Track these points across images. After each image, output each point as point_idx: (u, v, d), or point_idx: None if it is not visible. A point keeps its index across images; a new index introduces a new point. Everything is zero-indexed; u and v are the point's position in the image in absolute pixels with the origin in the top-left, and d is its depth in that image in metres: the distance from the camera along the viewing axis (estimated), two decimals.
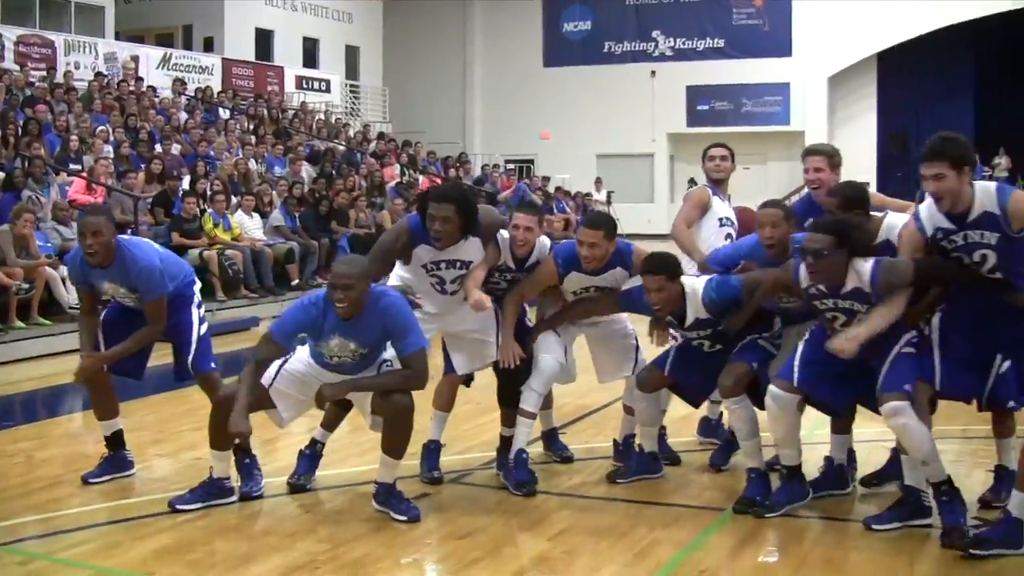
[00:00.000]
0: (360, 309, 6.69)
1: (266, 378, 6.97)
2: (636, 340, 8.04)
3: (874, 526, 6.57)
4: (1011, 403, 6.49)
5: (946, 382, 6.47)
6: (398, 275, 7.58)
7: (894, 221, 6.81)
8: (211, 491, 7.15)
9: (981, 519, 6.49)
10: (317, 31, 38.30)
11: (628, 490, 7.57)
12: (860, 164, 37.53)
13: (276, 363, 7.02)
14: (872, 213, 6.89)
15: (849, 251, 6.44)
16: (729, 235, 8.46)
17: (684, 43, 40.57)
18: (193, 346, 7.70)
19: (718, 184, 8.63)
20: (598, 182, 36.27)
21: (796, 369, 6.73)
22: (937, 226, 6.30)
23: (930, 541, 6.35)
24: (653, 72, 40.50)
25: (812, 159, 7.71)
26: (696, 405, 8.03)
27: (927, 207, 6.36)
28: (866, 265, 6.43)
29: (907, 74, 38.28)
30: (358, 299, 6.65)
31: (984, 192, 6.17)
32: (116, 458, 7.94)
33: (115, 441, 7.97)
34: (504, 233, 7.53)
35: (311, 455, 7.66)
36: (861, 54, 38.14)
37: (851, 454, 7.51)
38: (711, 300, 7.15)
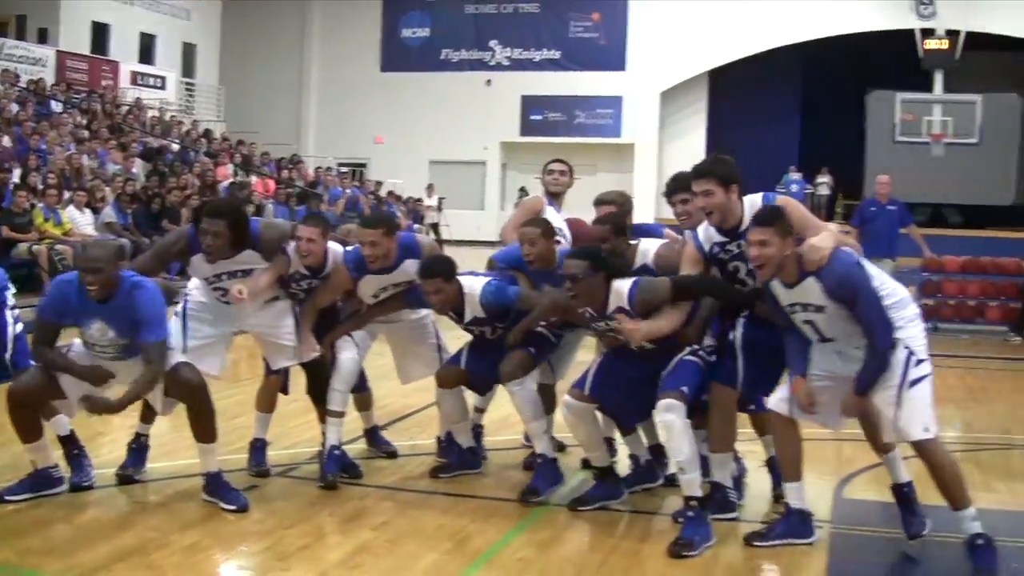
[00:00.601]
0: (111, 291, 6.87)
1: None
2: (438, 339, 8.47)
3: (680, 520, 6.95)
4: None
5: (748, 385, 6.99)
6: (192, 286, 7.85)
7: (647, 247, 7.38)
8: (38, 482, 7.25)
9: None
10: (154, 27, 37.98)
11: (449, 485, 7.94)
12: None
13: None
14: (631, 241, 7.44)
15: (606, 274, 6.91)
16: (560, 245, 8.70)
17: (521, 53, 41.03)
18: (10, 345, 7.71)
19: (555, 197, 8.93)
20: (429, 188, 36.58)
21: (590, 380, 7.20)
22: (713, 241, 6.83)
23: (734, 534, 6.84)
24: (489, 81, 40.89)
25: (603, 208, 8.10)
26: (482, 393, 8.45)
27: (704, 225, 6.87)
28: (624, 285, 6.90)
29: (737, 92, 39.19)
30: (107, 281, 6.83)
31: (751, 204, 6.72)
32: None
33: None
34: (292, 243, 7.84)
35: (137, 448, 7.84)
36: (693, 71, 39.00)
37: (660, 449, 7.92)
38: (487, 303, 7.68)
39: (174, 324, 7.56)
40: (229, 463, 7.70)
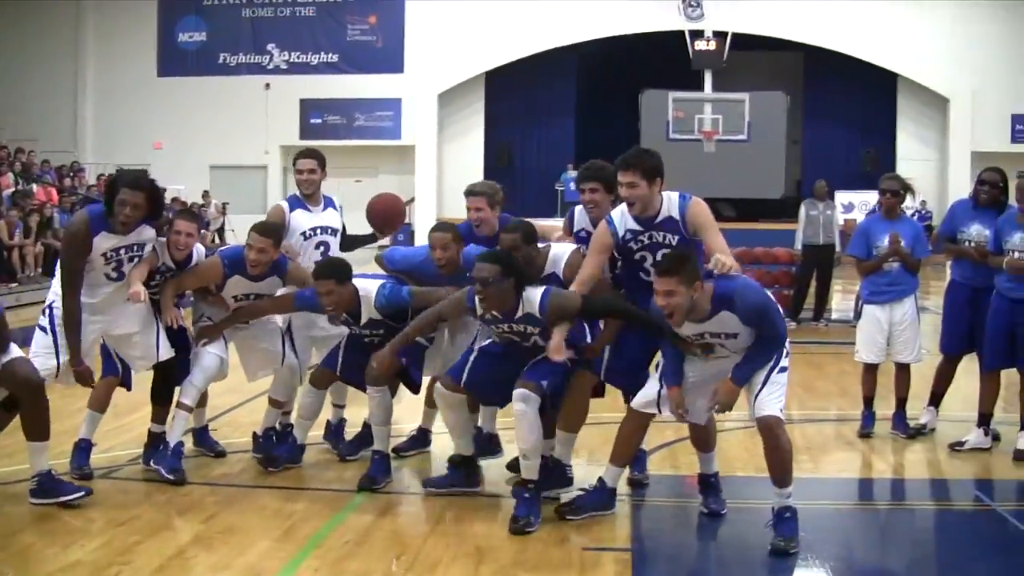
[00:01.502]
0: None
1: None
2: (283, 333, 8.72)
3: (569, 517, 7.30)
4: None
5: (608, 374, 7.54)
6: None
7: (559, 253, 7.63)
8: None
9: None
10: None
11: (274, 478, 8.24)
12: (467, 177, 39.04)
13: None
14: (539, 246, 7.68)
15: (516, 280, 7.18)
16: (324, 243, 8.95)
17: (299, 57, 40.94)
18: None
19: (308, 197, 8.92)
20: (205, 195, 36.33)
21: (466, 373, 7.54)
22: (627, 228, 7.22)
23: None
24: (268, 84, 40.67)
25: (472, 199, 8.30)
26: (363, 389, 8.36)
27: (621, 211, 7.25)
28: (536, 293, 7.19)
29: (513, 92, 39.86)
30: None
31: (669, 199, 7.17)
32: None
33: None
34: (162, 238, 8.05)
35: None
36: (470, 72, 39.46)
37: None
38: (381, 306, 7.94)
39: (43, 339, 7.68)
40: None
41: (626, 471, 7.75)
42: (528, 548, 6.72)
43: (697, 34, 37.85)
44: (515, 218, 7.91)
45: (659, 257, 7.09)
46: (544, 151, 39.76)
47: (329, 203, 9.03)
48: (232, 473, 8.43)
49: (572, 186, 38.01)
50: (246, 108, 40.11)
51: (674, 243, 7.13)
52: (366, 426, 8.64)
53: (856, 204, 34.32)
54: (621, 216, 7.23)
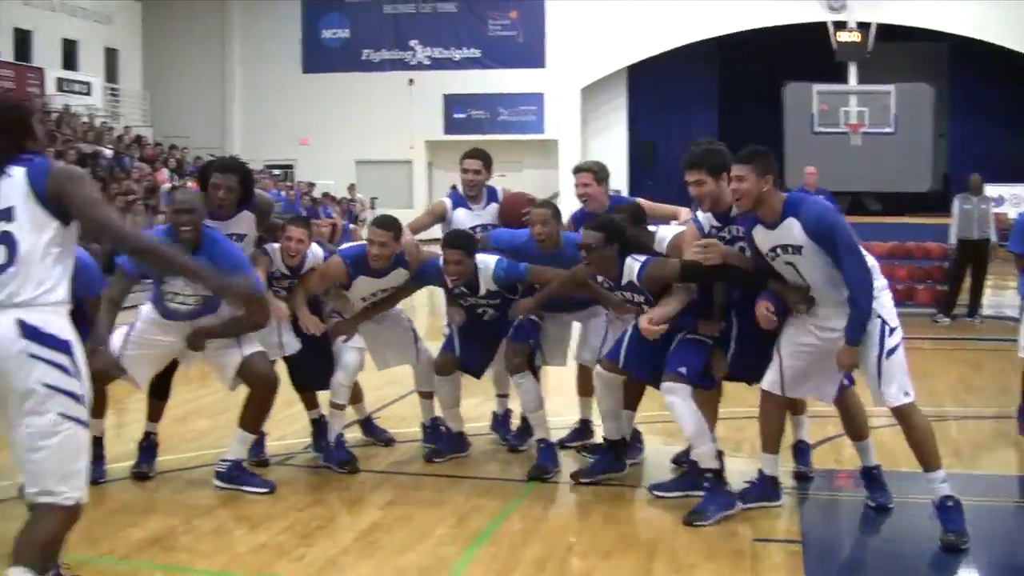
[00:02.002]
0: (200, 239, 7.29)
1: (113, 349, 7.44)
2: (414, 328, 8.93)
3: (657, 492, 7.59)
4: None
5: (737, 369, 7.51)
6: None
7: (663, 234, 7.75)
8: None
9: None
10: (76, 32, 37.87)
11: (443, 467, 8.45)
12: (612, 172, 39.09)
13: (120, 333, 7.56)
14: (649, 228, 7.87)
15: (620, 248, 7.41)
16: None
17: (441, 52, 41.40)
18: None
19: (471, 197, 9.07)
20: (351, 188, 36.81)
21: (623, 352, 7.64)
22: (711, 224, 7.36)
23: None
24: (411, 80, 41.21)
25: (580, 175, 8.55)
26: (478, 377, 8.79)
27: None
28: (637, 262, 7.40)
29: (655, 86, 39.96)
30: (198, 224, 7.29)
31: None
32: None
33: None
34: (275, 244, 8.32)
35: (148, 446, 8.22)
36: (612, 67, 39.63)
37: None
38: (498, 278, 8.15)
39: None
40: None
41: (791, 465, 7.84)
42: (698, 539, 6.80)
43: (840, 25, 37.44)
44: (628, 198, 8.03)
45: (738, 249, 7.23)
46: (687, 144, 39.53)
47: (492, 198, 9.19)
48: (403, 462, 8.67)
49: None
50: (390, 103, 40.64)
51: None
52: (523, 419, 8.88)
53: (1007, 198, 33.70)
54: (705, 215, 7.38)
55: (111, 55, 39.64)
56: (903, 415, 6.77)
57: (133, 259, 6.63)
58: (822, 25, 37.31)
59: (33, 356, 4.59)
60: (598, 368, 7.82)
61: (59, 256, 4.76)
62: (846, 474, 8.26)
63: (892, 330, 6.74)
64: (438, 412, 8.94)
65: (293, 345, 8.41)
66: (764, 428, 7.33)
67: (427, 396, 8.97)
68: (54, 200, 4.74)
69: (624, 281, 7.46)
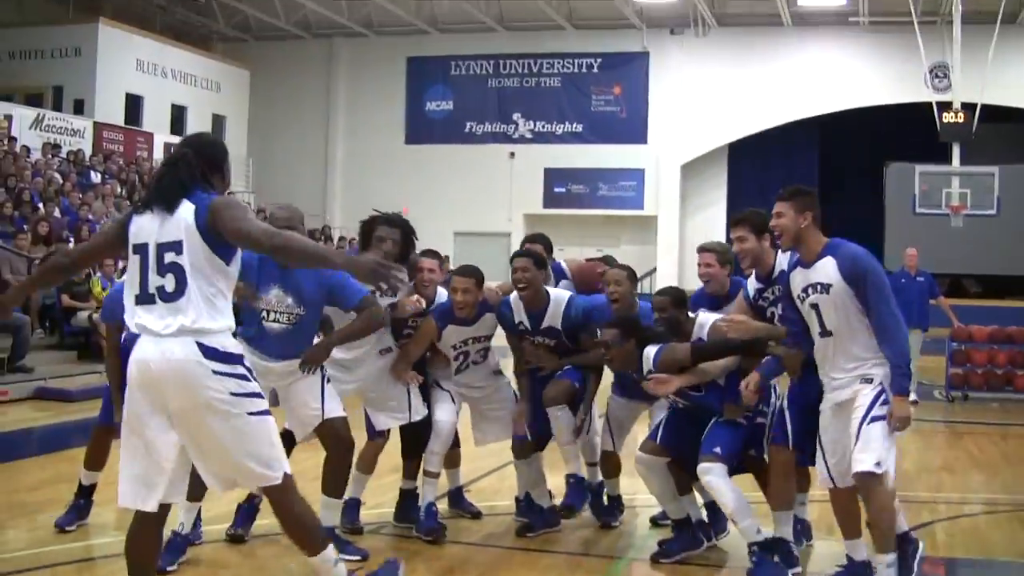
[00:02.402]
0: None
1: None
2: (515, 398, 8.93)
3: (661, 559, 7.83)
4: None
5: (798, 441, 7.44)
6: None
7: (704, 320, 7.85)
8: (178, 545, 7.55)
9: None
10: (185, 98, 38.66)
11: (534, 542, 8.44)
12: None
13: None
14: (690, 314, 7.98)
15: (637, 341, 7.69)
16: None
17: (543, 126, 41.61)
18: None
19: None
20: (444, 259, 36.82)
21: (660, 432, 7.86)
22: (754, 287, 7.64)
23: None
24: (512, 153, 41.49)
25: (704, 255, 8.44)
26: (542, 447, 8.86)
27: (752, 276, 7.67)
28: (652, 350, 7.63)
29: (756, 163, 39.73)
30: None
31: (782, 255, 7.43)
32: (85, 507, 8.50)
33: (89, 491, 8.52)
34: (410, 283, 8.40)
35: (248, 508, 8.29)
36: (713, 144, 39.49)
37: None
38: (570, 315, 8.40)
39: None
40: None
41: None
42: None
43: (945, 106, 37.14)
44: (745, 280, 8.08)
45: (779, 311, 7.42)
46: None
47: (560, 274, 9.36)
48: (496, 534, 8.69)
49: None
50: (491, 176, 40.88)
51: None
52: (613, 498, 8.99)
53: None
54: (752, 278, 7.71)
55: (218, 121, 40.32)
56: (868, 486, 6.67)
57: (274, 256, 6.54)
58: (926, 105, 37.06)
59: (216, 372, 5.36)
60: (639, 452, 7.95)
61: (224, 285, 5.51)
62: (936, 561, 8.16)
63: (886, 403, 6.70)
64: None
65: (421, 411, 8.47)
66: (839, 516, 7.23)
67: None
68: (212, 232, 5.40)
69: (645, 371, 7.64)
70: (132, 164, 31.39)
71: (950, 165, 37.84)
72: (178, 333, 5.35)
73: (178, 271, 5.39)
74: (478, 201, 40.60)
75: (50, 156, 27.43)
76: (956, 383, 18.17)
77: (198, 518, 7.92)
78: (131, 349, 5.56)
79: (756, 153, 39.51)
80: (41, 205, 22.66)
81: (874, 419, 6.63)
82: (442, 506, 9.01)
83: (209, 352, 5.36)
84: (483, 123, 42.04)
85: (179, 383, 5.35)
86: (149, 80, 36.87)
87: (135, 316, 5.49)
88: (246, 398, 5.47)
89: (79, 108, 34.36)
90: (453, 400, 8.61)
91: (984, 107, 36.18)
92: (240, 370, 5.47)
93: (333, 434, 7.65)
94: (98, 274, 19.05)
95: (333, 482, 7.78)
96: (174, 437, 5.50)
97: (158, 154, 34.89)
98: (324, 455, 7.84)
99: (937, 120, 36.63)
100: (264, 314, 7.47)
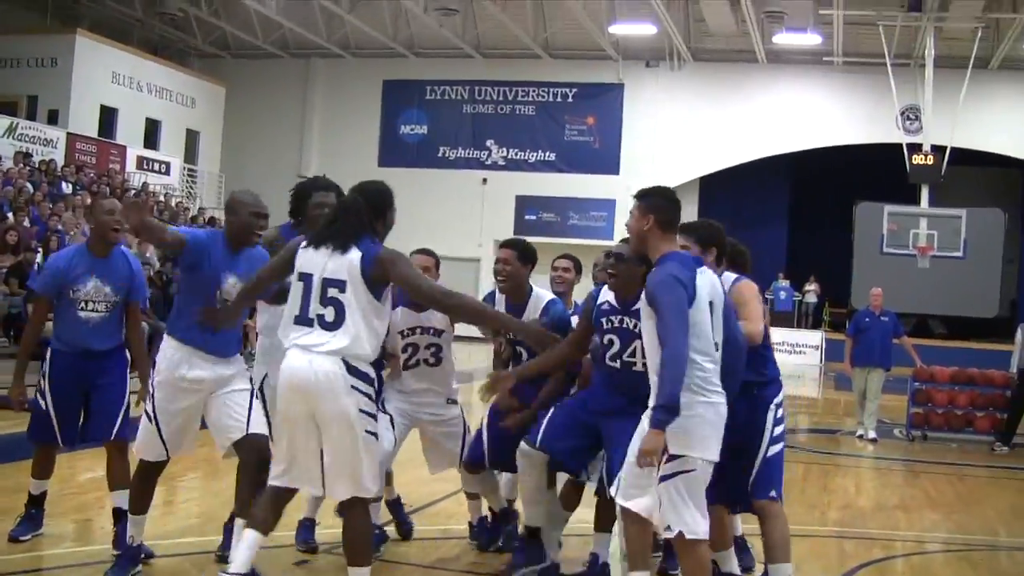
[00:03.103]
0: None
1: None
2: (464, 439, 8.56)
3: None
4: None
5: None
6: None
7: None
8: (133, 556, 7.34)
9: None
10: (160, 113, 38.74)
11: (484, 566, 8.42)
12: None
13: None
14: None
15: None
16: None
17: (516, 154, 41.85)
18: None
19: (560, 295, 8.64)
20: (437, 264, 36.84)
21: (541, 430, 7.43)
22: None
23: None
24: (485, 179, 41.63)
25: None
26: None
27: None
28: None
29: (727, 197, 39.91)
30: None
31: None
32: (37, 516, 8.24)
33: (39, 500, 8.26)
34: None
35: (309, 523, 8.35)
36: (685, 177, 39.55)
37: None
38: (552, 313, 7.99)
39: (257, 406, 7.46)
40: (276, 539, 8.07)
41: None
42: None
43: (915, 147, 37.43)
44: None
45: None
46: (756, 258, 38.98)
47: None
48: (447, 559, 8.64)
49: (782, 295, 38.37)
50: (463, 201, 41.06)
51: None
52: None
53: None
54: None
55: (192, 136, 40.38)
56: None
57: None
58: (897, 146, 37.35)
59: (354, 388, 6.11)
60: (522, 446, 7.53)
61: (376, 323, 6.24)
62: None
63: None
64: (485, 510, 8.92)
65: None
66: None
67: (474, 497, 8.90)
68: (376, 281, 6.18)
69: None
70: (104, 176, 31.31)
71: (919, 206, 38.11)
72: (329, 353, 6.12)
73: (339, 306, 6.16)
74: (449, 226, 40.62)
75: (22, 165, 27.35)
76: (917, 423, 18.24)
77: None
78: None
79: (728, 187, 39.79)
80: (11, 214, 22.58)
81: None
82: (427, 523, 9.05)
83: (352, 370, 6.12)
84: (456, 148, 42.26)
85: (322, 390, 6.09)
86: (124, 93, 36.90)
87: (291, 333, 6.27)
88: (368, 417, 6.21)
89: (53, 118, 34.38)
90: (393, 426, 8.20)
91: (954, 150, 36.52)
92: (371, 392, 6.24)
93: (250, 448, 7.20)
94: None
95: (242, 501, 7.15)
96: (315, 439, 6.19)
97: (130, 167, 34.91)
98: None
99: (907, 161, 36.93)
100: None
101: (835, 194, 39.44)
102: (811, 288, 39.40)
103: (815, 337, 38.04)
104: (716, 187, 40.17)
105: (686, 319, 5.97)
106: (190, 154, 40.28)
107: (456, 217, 40.84)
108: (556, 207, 41.20)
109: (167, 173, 37.17)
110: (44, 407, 7.84)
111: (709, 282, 6.27)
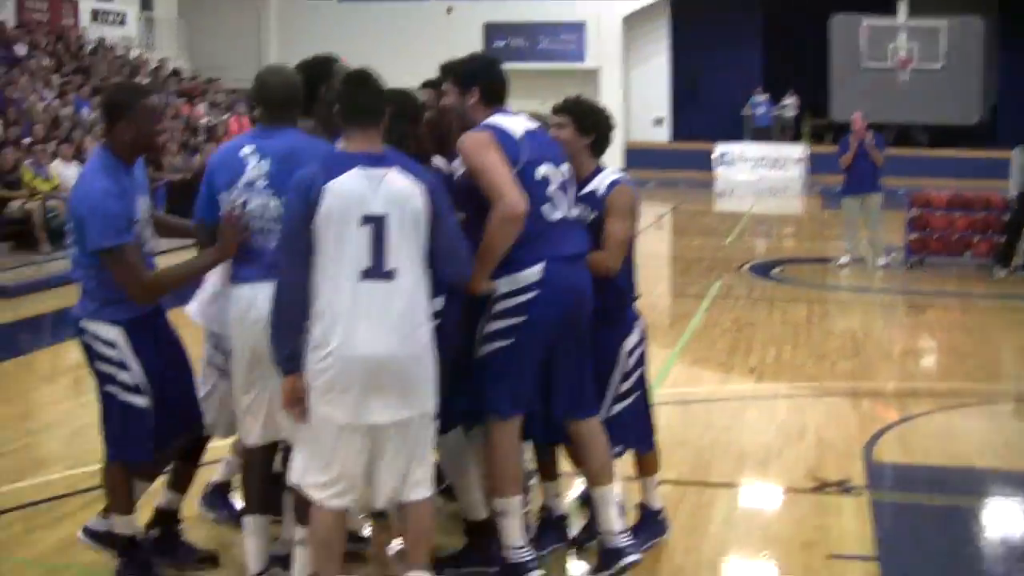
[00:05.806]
0: None
1: None
2: None
3: None
4: None
5: None
6: None
7: None
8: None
9: None
10: None
11: None
12: (653, 102, 38.98)
13: None
14: None
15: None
16: None
17: None
18: None
19: None
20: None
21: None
22: None
23: None
24: (450, 8, 40.65)
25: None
26: None
27: None
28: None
29: (699, 15, 39.16)
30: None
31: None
32: None
33: None
34: None
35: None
36: None
37: None
38: None
39: None
40: None
41: None
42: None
43: None
44: None
45: None
46: (733, 75, 38.94)
47: None
48: None
49: (761, 110, 37.93)
50: (429, 32, 40.04)
51: None
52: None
53: None
54: None
55: None
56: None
57: None
58: None
59: None
60: None
61: None
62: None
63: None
64: None
65: None
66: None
67: None
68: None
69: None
70: (58, 35, 30.26)
71: (896, 18, 37.53)
72: None
73: None
74: (416, 58, 39.47)
75: None
76: (915, 248, 17.98)
77: None
78: None
79: (701, 4, 38.89)
80: None
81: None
82: None
83: None
84: None
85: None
86: None
87: None
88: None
89: None
90: None
91: None
92: None
93: None
94: (27, 161, 18.30)
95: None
96: None
97: (84, 21, 33.75)
98: None
99: None
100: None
101: (810, 9, 38.49)
102: (789, 102, 38.80)
103: (796, 150, 37.75)
104: (688, 5, 39.27)
105: None
106: (146, 1, 39.05)
107: (423, 49, 39.29)
108: (525, 32, 40.18)
109: (123, 24, 35.96)
110: None
111: None
